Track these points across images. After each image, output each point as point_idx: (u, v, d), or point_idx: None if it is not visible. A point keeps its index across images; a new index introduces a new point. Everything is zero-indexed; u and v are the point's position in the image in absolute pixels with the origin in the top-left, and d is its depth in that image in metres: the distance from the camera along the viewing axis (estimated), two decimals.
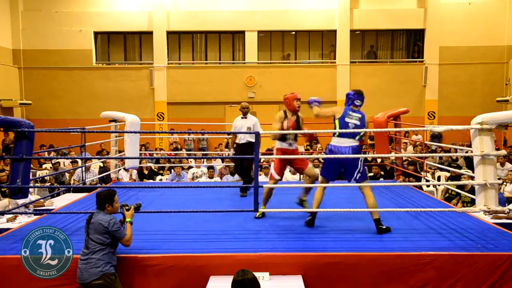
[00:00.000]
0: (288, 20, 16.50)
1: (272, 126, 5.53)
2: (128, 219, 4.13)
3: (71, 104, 16.45)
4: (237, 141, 7.21)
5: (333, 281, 4.08)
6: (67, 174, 10.17)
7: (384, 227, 4.76)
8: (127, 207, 4.19)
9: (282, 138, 5.48)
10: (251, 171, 6.94)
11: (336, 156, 4.88)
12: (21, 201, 5.83)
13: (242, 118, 7.18)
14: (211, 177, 9.64)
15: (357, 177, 4.91)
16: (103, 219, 3.90)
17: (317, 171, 5.64)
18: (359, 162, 4.90)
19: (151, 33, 16.35)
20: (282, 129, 5.45)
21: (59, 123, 15.09)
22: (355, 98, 5.01)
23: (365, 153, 9.94)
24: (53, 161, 10.47)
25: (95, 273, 3.76)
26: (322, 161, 10.98)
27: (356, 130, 4.89)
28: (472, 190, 6.40)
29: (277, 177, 5.46)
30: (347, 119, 4.92)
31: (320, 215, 5.29)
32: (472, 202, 6.37)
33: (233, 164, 8.26)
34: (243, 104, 7.21)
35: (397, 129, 7.18)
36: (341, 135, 4.91)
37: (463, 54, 16.34)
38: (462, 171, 7.27)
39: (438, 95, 16.46)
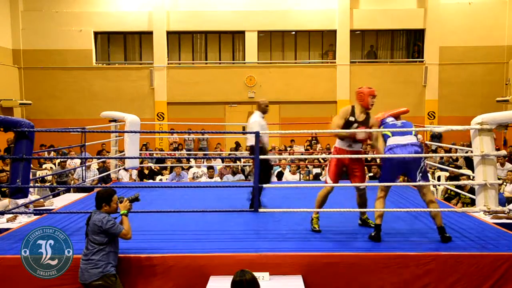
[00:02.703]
0: (288, 20, 16.50)
1: (333, 121, 4.89)
2: (122, 212, 4.02)
3: (71, 104, 16.44)
4: (249, 144, 6.19)
5: (333, 281, 4.08)
6: (69, 174, 10.18)
7: (447, 235, 4.49)
8: (120, 199, 4.08)
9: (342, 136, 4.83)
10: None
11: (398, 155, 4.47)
12: (21, 201, 5.82)
13: (262, 117, 6.24)
14: (211, 177, 9.65)
15: (419, 177, 4.57)
16: (97, 218, 3.85)
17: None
18: (422, 161, 4.57)
19: (151, 33, 16.35)
20: (345, 126, 4.74)
21: (59, 123, 15.07)
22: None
23: (365, 153, 9.93)
24: (60, 160, 10.47)
25: (95, 274, 3.76)
26: (321, 162, 10.97)
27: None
28: (471, 190, 6.40)
29: (332, 183, 4.86)
30: (390, 122, 4.81)
31: (321, 215, 5.29)
32: (472, 203, 6.38)
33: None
34: (266, 102, 6.26)
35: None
36: (395, 134, 4.62)
37: (463, 54, 16.34)
38: (462, 171, 7.27)
39: (438, 95, 16.46)
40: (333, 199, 5.96)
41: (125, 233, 3.90)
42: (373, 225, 4.74)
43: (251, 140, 5.90)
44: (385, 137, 4.69)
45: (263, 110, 6.19)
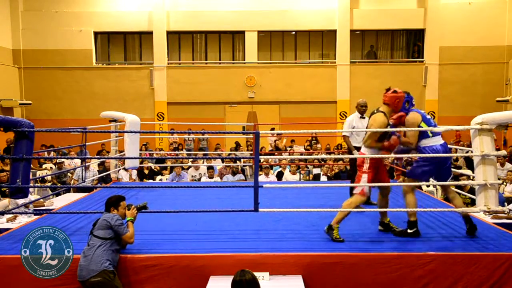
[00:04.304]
0: (288, 20, 16.51)
1: (375, 129, 4.56)
2: (128, 218, 4.24)
3: (71, 104, 16.46)
4: (355, 144, 6.03)
5: (333, 281, 4.08)
6: (68, 174, 10.18)
7: (409, 231, 4.59)
8: (128, 207, 4.32)
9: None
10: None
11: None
12: (21, 201, 5.83)
13: (360, 118, 6.11)
14: (211, 177, 9.65)
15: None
16: (107, 216, 4.07)
17: None
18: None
19: (151, 33, 16.36)
20: (382, 136, 4.58)
21: (59, 123, 15.09)
22: (411, 98, 4.74)
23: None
24: (57, 160, 10.49)
25: (94, 270, 3.79)
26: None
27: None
28: (471, 190, 6.40)
29: (368, 193, 4.64)
30: (428, 117, 4.69)
31: (321, 215, 5.30)
32: (472, 203, 6.37)
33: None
34: (361, 102, 6.15)
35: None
36: (434, 134, 4.58)
37: (463, 54, 16.35)
38: (462, 171, 7.27)
39: (438, 95, 16.47)
40: (333, 199, 5.96)
41: (129, 236, 4.08)
42: (398, 230, 4.74)
43: (356, 141, 5.93)
44: (425, 133, 4.59)
45: (359, 110, 6.14)
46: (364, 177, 4.57)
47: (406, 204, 4.70)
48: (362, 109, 6.10)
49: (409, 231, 4.63)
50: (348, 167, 9.95)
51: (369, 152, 4.59)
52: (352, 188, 5.89)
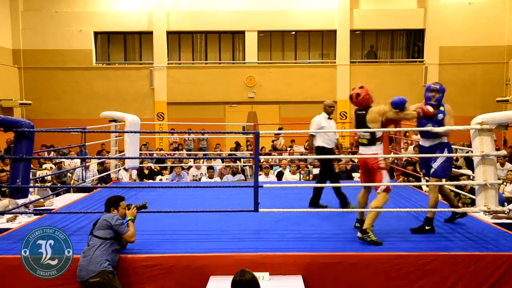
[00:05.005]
0: (288, 20, 16.51)
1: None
2: (128, 217, 4.26)
3: (71, 104, 16.45)
4: (323, 144, 6.06)
5: (333, 281, 4.08)
6: (68, 174, 10.18)
7: (427, 228, 4.78)
8: (128, 206, 4.34)
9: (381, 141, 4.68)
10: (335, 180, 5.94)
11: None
12: (21, 201, 5.82)
13: (328, 118, 6.20)
14: (211, 177, 9.64)
15: None
16: (108, 216, 4.08)
17: None
18: None
19: (151, 33, 16.36)
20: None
21: (59, 123, 15.09)
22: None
23: None
24: (57, 160, 10.48)
25: (93, 270, 3.80)
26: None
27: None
28: (471, 190, 6.41)
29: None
30: None
31: (321, 215, 5.29)
32: (472, 203, 6.37)
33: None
34: (329, 103, 6.24)
35: (397, 129, 7.18)
36: None
37: (463, 54, 16.35)
38: (462, 171, 7.27)
39: None
40: (333, 199, 5.95)
41: (130, 235, 4.10)
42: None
43: (316, 141, 6.01)
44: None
45: (327, 111, 6.19)
46: (385, 173, 4.59)
47: (429, 201, 4.90)
48: (330, 109, 6.16)
49: (426, 227, 4.78)
50: (348, 167, 9.96)
51: (381, 148, 4.64)
52: (337, 189, 5.89)
